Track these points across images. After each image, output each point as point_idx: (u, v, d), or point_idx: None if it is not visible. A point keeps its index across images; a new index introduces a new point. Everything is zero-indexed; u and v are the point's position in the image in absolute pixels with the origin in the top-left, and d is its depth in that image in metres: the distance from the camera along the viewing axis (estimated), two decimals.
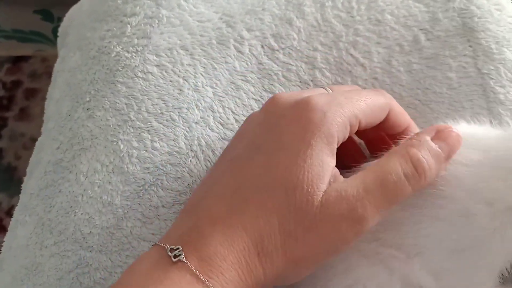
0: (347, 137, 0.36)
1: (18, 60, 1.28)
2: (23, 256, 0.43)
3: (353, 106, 0.36)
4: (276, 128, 0.35)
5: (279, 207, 0.32)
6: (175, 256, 0.31)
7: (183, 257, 0.31)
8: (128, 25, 0.48)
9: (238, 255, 0.32)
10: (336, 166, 0.36)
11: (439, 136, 0.35)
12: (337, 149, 0.38)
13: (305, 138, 0.34)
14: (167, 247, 0.32)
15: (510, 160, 0.35)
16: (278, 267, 0.32)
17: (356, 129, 0.36)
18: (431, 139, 0.35)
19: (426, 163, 0.34)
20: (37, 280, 0.41)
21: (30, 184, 0.46)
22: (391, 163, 0.34)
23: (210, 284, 0.30)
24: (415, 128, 0.41)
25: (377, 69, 0.48)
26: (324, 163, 0.33)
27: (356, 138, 0.44)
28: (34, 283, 0.41)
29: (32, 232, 0.43)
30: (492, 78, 0.46)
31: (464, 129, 0.39)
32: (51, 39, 0.97)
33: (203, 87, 0.47)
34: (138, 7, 0.49)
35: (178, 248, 0.32)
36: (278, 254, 0.32)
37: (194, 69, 0.47)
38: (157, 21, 0.49)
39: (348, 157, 0.39)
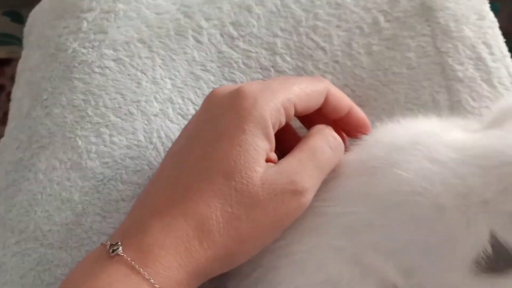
0: (284, 121, 0.37)
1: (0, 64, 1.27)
2: None
3: (286, 91, 0.37)
4: (213, 119, 0.37)
5: (219, 191, 0.34)
6: (113, 251, 0.32)
7: (120, 251, 0.32)
8: (85, 21, 0.48)
9: (176, 241, 0.32)
10: (277, 153, 0.37)
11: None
12: (277, 136, 0.39)
13: (239, 125, 0.35)
14: (108, 244, 0.33)
15: (487, 158, 0.35)
16: (222, 247, 0.33)
17: (292, 113, 0.38)
18: None
19: (337, 136, 0.39)
20: (1, 279, 0.41)
21: None
22: (317, 140, 0.37)
23: (146, 273, 0.31)
24: (357, 110, 0.42)
25: (337, 52, 0.48)
26: (258, 147, 0.35)
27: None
28: None
29: None
30: (451, 56, 0.46)
31: (435, 123, 0.39)
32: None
33: (161, 79, 0.47)
34: (94, 2, 0.49)
35: (117, 243, 0.33)
36: (221, 234, 0.33)
37: (152, 61, 0.47)
38: (113, 15, 0.48)
39: (288, 144, 0.39)
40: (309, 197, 0.36)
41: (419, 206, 0.35)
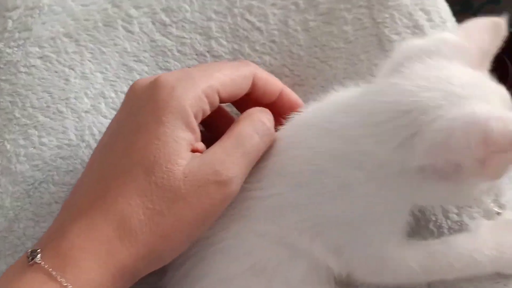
0: (208, 109, 0.36)
1: None
2: None
3: (207, 78, 0.36)
4: (133, 112, 0.36)
5: (139, 187, 0.33)
6: (32, 259, 0.31)
7: (38, 258, 0.31)
8: (10, 20, 0.46)
9: (96, 243, 0.31)
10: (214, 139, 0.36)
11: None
12: (212, 122, 0.39)
13: (157, 117, 0.34)
14: (28, 252, 0.32)
15: (375, 114, 0.33)
16: (146, 245, 0.32)
17: (216, 100, 0.36)
18: None
19: (268, 121, 0.37)
20: None
21: None
22: (243, 126, 0.36)
23: (64, 279, 0.30)
24: (289, 92, 0.41)
25: (274, 31, 0.47)
26: (179, 138, 0.34)
27: None
28: None
29: None
30: (387, 27, 0.45)
31: (335, 95, 0.38)
32: None
33: (91, 73, 0.45)
34: (19, 0, 0.47)
35: (36, 250, 0.32)
36: (144, 232, 0.32)
37: (80, 56, 0.46)
38: (38, 11, 0.47)
39: (224, 131, 0.38)
40: (235, 186, 0.34)
41: (324, 184, 0.34)
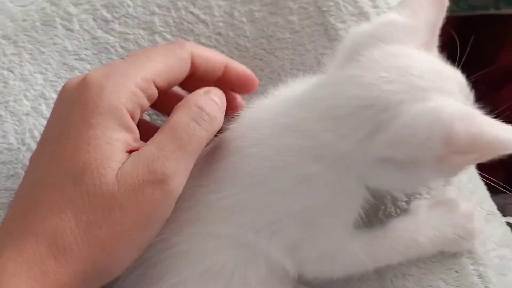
0: (146, 103, 0.34)
1: None
2: None
3: (139, 69, 0.33)
4: (62, 115, 0.33)
5: (70, 199, 0.30)
6: None
7: None
8: None
9: (27, 265, 0.29)
10: None
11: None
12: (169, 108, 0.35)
13: (85, 119, 0.31)
14: None
15: (335, 108, 0.32)
16: (85, 260, 0.30)
17: (154, 92, 0.34)
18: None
19: (211, 105, 0.33)
20: None
21: None
22: (177, 115, 0.32)
23: None
24: (234, 65, 0.38)
25: (219, 23, 0.46)
26: (113, 140, 0.31)
27: None
28: None
29: None
30: (332, 15, 0.44)
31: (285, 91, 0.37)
32: None
33: (30, 74, 0.44)
34: None
35: None
36: (80, 247, 0.29)
37: (19, 57, 0.44)
38: None
39: None
40: (174, 183, 0.31)
41: (282, 180, 0.34)
